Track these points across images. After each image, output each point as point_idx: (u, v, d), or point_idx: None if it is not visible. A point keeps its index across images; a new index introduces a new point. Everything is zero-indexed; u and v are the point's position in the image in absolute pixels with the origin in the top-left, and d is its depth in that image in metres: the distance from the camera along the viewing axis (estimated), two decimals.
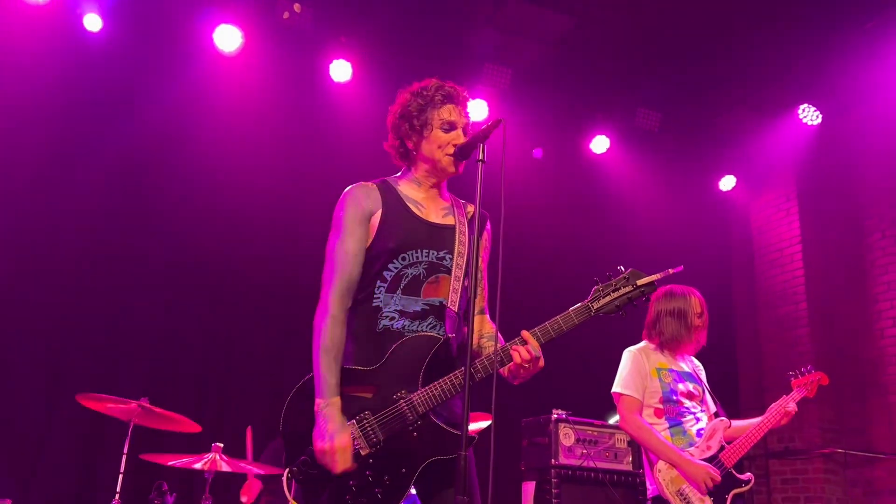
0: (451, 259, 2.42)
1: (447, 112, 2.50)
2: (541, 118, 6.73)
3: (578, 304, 2.44)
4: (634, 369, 3.65)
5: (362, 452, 2.24)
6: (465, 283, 2.43)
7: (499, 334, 2.36)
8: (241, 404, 5.68)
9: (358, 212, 2.43)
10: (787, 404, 3.66)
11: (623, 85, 6.76)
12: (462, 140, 2.48)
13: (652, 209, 7.21)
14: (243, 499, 4.55)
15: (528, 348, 2.32)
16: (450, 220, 2.50)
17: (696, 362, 3.88)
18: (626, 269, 2.47)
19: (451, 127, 2.50)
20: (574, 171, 7.11)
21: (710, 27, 6.20)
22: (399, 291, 2.37)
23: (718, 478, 3.40)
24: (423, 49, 6.38)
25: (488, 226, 2.59)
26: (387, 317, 2.35)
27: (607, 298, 2.43)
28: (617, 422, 4.03)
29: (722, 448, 3.51)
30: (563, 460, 4.99)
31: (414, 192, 2.52)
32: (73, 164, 5.42)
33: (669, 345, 3.71)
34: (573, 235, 7.01)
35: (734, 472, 3.47)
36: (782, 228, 7.41)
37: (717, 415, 3.70)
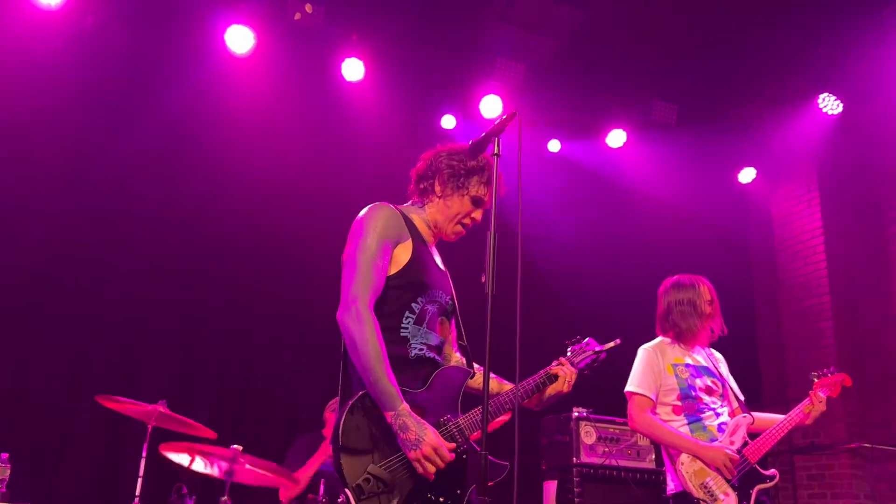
0: (453, 303, 2.60)
1: (485, 191, 2.59)
2: (556, 113, 6.68)
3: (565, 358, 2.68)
4: (647, 367, 3.59)
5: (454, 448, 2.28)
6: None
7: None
8: (260, 407, 5.68)
9: (390, 231, 2.45)
10: (815, 402, 3.57)
11: (639, 78, 6.69)
12: (479, 220, 2.61)
13: (670, 203, 7.14)
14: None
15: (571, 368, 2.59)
16: (444, 267, 2.64)
17: (717, 355, 3.81)
18: (583, 338, 2.73)
19: (479, 204, 2.61)
20: (590, 166, 7.04)
21: (726, 17, 6.11)
22: (425, 325, 2.46)
23: (737, 459, 3.33)
24: (435, 46, 6.35)
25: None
26: (416, 347, 2.43)
27: (580, 356, 2.69)
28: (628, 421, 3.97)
29: (745, 444, 3.44)
30: (584, 459, 4.94)
31: (424, 232, 2.59)
32: (89, 165, 5.45)
33: (683, 336, 3.64)
34: (591, 231, 6.95)
35: (758, 467, 3.40)
36: (804, 220, 7.30)
37: (739, 410, 3.63)
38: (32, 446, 4.87)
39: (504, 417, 4.06)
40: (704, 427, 3.48)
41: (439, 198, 2.60)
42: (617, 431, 5.11)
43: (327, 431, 5.09)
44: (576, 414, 5.06)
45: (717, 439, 3.45)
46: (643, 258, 6.92)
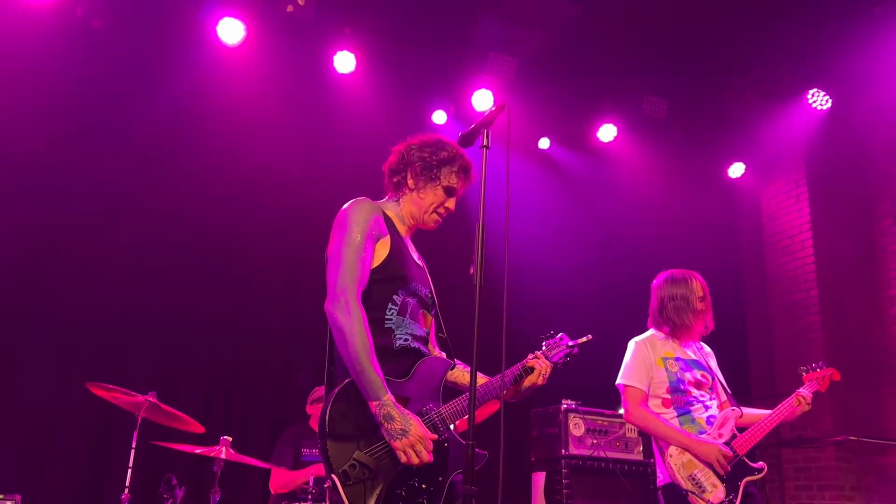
0: (432, 297, 2.66)
1: (457, 180, 2.65)
2: (547, 107, 6.68)
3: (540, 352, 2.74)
4: (639, 360, 3.62)
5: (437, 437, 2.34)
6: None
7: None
8: (249, 399, 5.68)
9: (371, 226, 2.49)
10: (801, 403, 3.61)
11: (630, 72, 6.70)
12: (453, 209, 2.68)
13: (660, 197, 7.17)
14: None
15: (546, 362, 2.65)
16: (421, 262, 2.71)
17: (707, 349, 3.84)
18: (556, 333, 2.81)
19: (451, 193, 2.67)
20: (581, 160, 7.06)
21: (716, 12, 6.13)
22: (407, 316, 2.51)
23: (731, 455, 3.36)
24: (427, 40, 6.34)
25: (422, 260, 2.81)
26: (400, 338, 2.48)
27: (555, 350, 2.77)
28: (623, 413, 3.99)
29: (734, 436, 3.47)
30: (573, 450, 4.97)
31: (400, 226, 2.64)
32: (78, 155, 5.42)
33: (675, 331, 3.67)
34: (580, 225, 6.97)
35: (747, 460, 3.43)
36: (792, 215, 7.34)
37: (727, 403, 3.66)
38: (20, 438, 4.86)
39: (487, 408, 4.11)
40: (693, 420, 3.51)
41: (412, 191, 2.65)
42: (605, 423, 5.15)
43: (314, 423, 5.10)
44: (564, 406, 5.08)
45: (705, 431, 3.48)
46: (632, 253, 6.94)
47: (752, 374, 7.46)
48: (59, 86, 5.36)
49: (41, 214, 5.28)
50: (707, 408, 3.56)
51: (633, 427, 5.15)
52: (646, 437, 5.15)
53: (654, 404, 3.56)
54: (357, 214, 2.49)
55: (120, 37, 5.55)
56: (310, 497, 4.18)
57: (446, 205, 2.66)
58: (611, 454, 5.05)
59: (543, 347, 2.77)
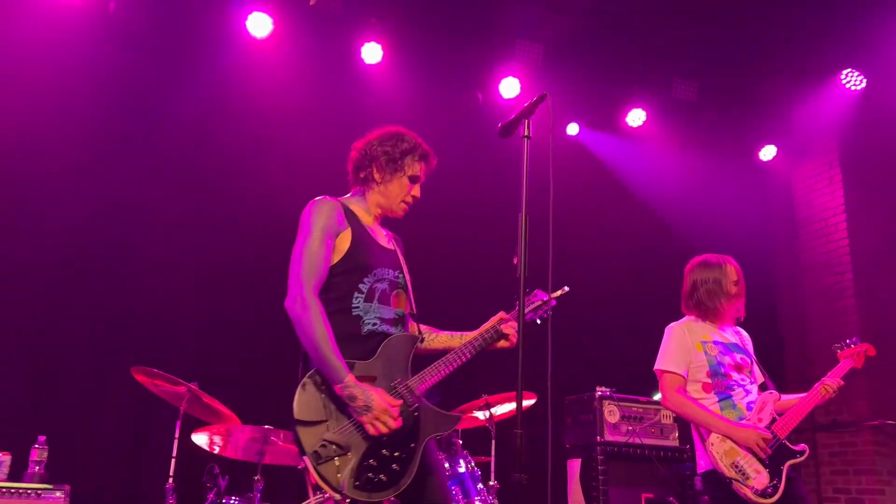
0: (403, 277, 2.82)
1: (419, 167, 2.84)
2: (575, 93, 6.64)
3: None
4: (676, 345, 3.60)
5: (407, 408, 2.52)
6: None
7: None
8: (284, 389, 5.74)
9: (330, 223, 2.67)
10: (836, 378, 3.59)
11: (658, 56, 6.63)
12: (419, 196, 2.86)
13: (690, 182, 7.11)
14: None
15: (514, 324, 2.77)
16: (391, 246, 2.86)
17: (744, 333, 3.82)
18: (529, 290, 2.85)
19: (416, 181, 2.85)
20: (610, 146, 7.02)
21: None
22: (375, 301, 2.68)
23: (770, 438, 3.35)
24: (453, 28, 6.33)
25: (401, 243, 3.01)
26: (369, 323, 2.65)
27: (529, 308, 2.86)
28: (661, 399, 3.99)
29: (773, 420, 3.46)
30: (608, 437, 4.98)
31: (365, 218, 2.82)
32: (115, 149, 5.49)
33: (709, 316, 3.65)
34: (610, 212, 6.94)
35: (788, 443, 3.42)
36: (825, 198, 7.25)
37: (765, 387, 3.64)
38: (64, 429, 4.95)
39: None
40: (734, 405, 3.50)
41: (379, 183, 2.82)
42: (640, 410, 5.15)
43: None
44: (599, 393, 5.09)
45: (745, 417, 3.46)
46: (663, 239, 6.91)
47: (786, 359, 7.40)
48: (90, 81, 5.42)
49: (80, 208, 5.36)
50: (748, 392, 3.54)
51: (668, 413, 5.15)
52: (681, 423, 5.14)
53: (694, 389, 3.55)
54: (315, 214, 2.68)
55: (151, 33, 5.61)
56: None
57: (412, 193, 2.85)
58: (646, 441, 5.05)
59: (517, 306, 2.77)
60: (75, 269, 5.34)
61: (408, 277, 2.85)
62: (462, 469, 4.21)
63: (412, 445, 2.49)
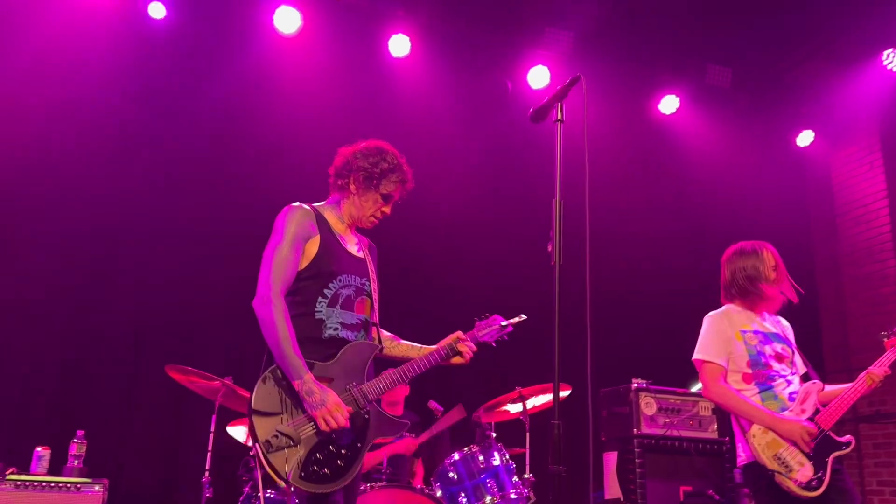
0: (370, 285, 2.94)
1: (395, 188, 2.96)
2: (606, 81, 6.53)
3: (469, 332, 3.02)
4: (716, 335, 3.52)
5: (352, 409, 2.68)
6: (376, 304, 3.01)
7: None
8: None
9: (300, 230, 2.81)
10: (882, 367, 3.47)
11: (691, 42, 6.51)
12: (389, 213, 2.98)
13: (726, 170, 6.99)
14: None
15: (470, 345, 2.96)
16: (361, 254, 2.98)
17: (784, 322, 3.72)
18: (489, 314, 3.07)
19: (388, 200, 2.97)
20: (643, 134, 6.92)
21: None
22: (338, 307, 2.81)
23: (815, 430, 3.26)
24: (480, 18, 6.28)
25: (375, 250, 3.15)
26: (331, 327, 2.79)
27: (485, 330, 3.04)
28: (700, 390, 3.91)
29: (817, 411, 3.36)
30: (645, 430, 4.91)
31: (337, 225, 2.95)
32: (145, 147, 5.56)
33: (750, 303, 3.56)
34: (645, 200, 6.84)
35: (832, 434, 3.32)
36: (866, 183, 7.07)
37: (807, 377, 3.55)
38: (102, 424, 5.02)
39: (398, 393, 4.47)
40: (776, 396, 3.40)
41: (353, 195, 2.94)
42: (678, 402, 5.07)
43: (384, 406, 5.14)
44: (635, 385, 5.02)
45: (787, 408, 3.37)
46: (697, 228, 6.80)
47: (826, 349, 7.25)
48: (121, 83, 5.50)
49: (112, 207, 5.43)
50: (789, 383, 3.45)
51: (706, 405, 5.07)
52: (720, 414, 5.05)
53: (734, 380, 3.46)
54: (288, 220, 2.82)
55: (179, 32, 5.65)
56: (384, 477, 4.23)
57: (383, 209, 2.97)
58: (684, 433, 4.97)
59: (474, 328, 3.03)
60: (110, 267, 5.40)
61: (374, 285, 2.98)
62: (496, 462, 4.17)
63: (358, 445, 2.66)
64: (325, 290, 2.80)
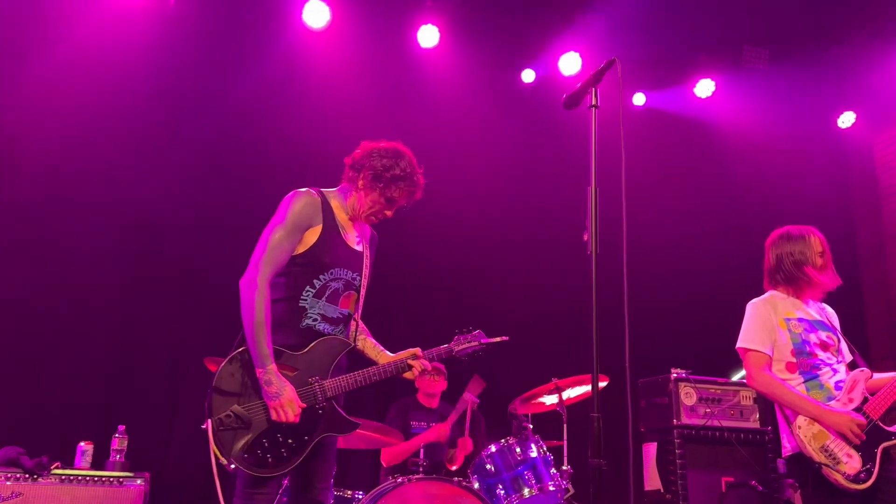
0: (360, 280, 2.99)
1: (401, 194, 2.98)
2: (640, 66, 6.44)
3: (445, 346, 3.09)
4: (759, 322, 3.42)
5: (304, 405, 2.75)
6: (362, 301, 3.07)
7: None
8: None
9: (302, 218, 2.86)
10: None
11: (726, 23, 6.36)
12: (390, 216, 3.02)
13: (764, 154, 6.86)
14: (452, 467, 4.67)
15: (421, 362, 3.01)
16: (360, 248, 3.02)
17: (829, 309, 3.61)
18: (473, 329, 3.15)
19: (392, 204, 3.00)
20: (678, 118, 6.79)
21: None
22: (324, 299, 2.87)
23: (864, 423, 3.16)
24: (509, 6, 6.21)
25: (376, 241, 3.19)
26: (310, 317, 2.86)
27: (464, 345, 3.11)
28: (743, 378, 3.82)
29: (865, 400, 3.25)
30: (685, 420, 4.83)
31: (341, 216, 3.00)
32: (181, 143, 5.59)
33: (795, 290, 3.46)
34: (680, 188, 6.72)
35: (881, 424, 3.21)
36: None
37: (854, 365, 3.44)
38: (143, 418, 5.08)
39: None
40: (821, 385, 3.31)
41: (360, 190, 2.98)
42: (718, 392, 4.97)
43: (421, 397, 5.14)
44: (674, 375, 4.94)
45: (834, 397, 3.28)
46: (737, 213, 6.68)
47: (871, 335, 7.07)
48: (148, 79, 5.53)
49: (144, 206, 5.47)
50: (835, 371, 3.35)
51: (748, 394, 4.97)
52: (762, 404, 4.95)
53: (778, 369, 3.37)
54: (294, 205, 2.87)
55: (207, 28, 5.68)
56: (421, 469, 4.22)
57: (385, 212, 3.00)
58: (725, 423, 4.88)
59: (453, 340, 3.11)
60: (153, 261, 5.46)
61: (365, 280, 3.02)
62: (534, 454, 4.14)
63: (305, 438, 2.75)
64: (315, 281, 2.86)
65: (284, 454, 2.70)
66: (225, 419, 2.65)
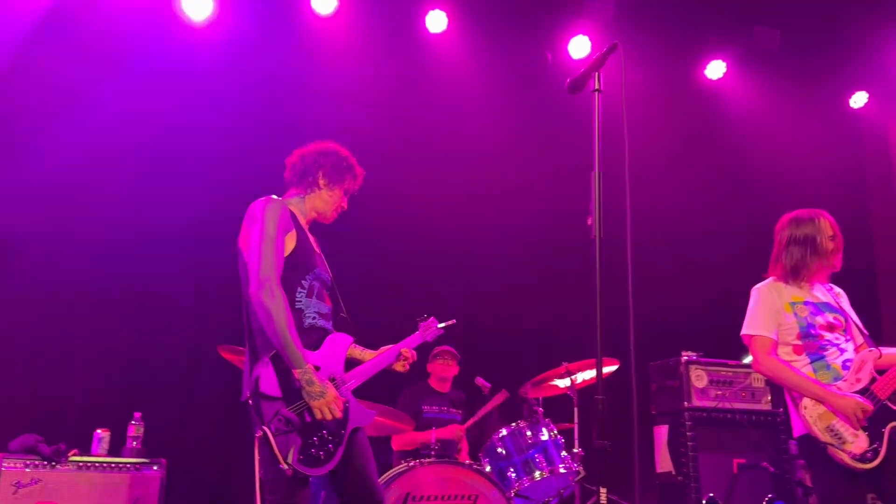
0: (332, 280, 3.13)
1: (352, 183, 3.17)
2: (650, 48, 6.39)
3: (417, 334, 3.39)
4: (764, 307, 3.42)
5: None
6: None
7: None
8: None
9: (283, 222, 2.92)
10: None
11: (737, 3, 6.30)
12: (346, 207, 3.18)
13: (776, 135, 6.80)
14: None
15: (410, 351, 3.26)
16: (318, 250, 3.12)
17: (837, 289, 3.60)
18: (428, 317, 3.45)
19: (348, 194, 3.17)
20: (689, 101, 6.75)
21: None
22: (314, 297, 2.96)
23: (871, 408, 3.16)
24: None
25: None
26: (310, 316, 2.93)
27: (431, 330, 3.43)
28: (752, 363, 3.81)
29: (873, 380, 3.25)
30: (696, 402, 4.85)
31: (301, 221, 3.07)
32: (191, 135, 5.62)
33: (801, 274, 3.45)
34: (692, 169, 6.69)
35: (889, 403, 3.21)
36: None
37: (864, 345, 3.43)
38: (159, 405, 5.15)
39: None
40: (828, 366, 3.31)
41: (322, 189, 3.09)
42: (730, 374, 4.98)
43: (433, 382, 5.18)
44: (685, 358, 4.95)
45: (841, 377, 3.28)
46: (748, 196, 6.64)
47: (884, 315, 7.03)
48: (161, 77, 5.57)
49: (160, 199, 5.53)
50: (842, 351, 3.34)
51: (759, 376, 4.97)
52: (774, 386, 4.95)
53: (785, 352, 3.38)
54: (270, 210, 2.90)
55: (222, 24, 5.72)
56: (433, 454, 4.27)
57: (342, 203, 3.17)
58: (737, 405, 4.89)
59: (419, 328, 3.38)
60: (166, 254, 5.50)
61: (334, 282, 3.18)
62: (545, 437, 4.18)
63: (342, 432, 2.82)
64: (303, 281, 2.93)
65: (332, 449, 2.77)
66: (278, 423, 2.66)
